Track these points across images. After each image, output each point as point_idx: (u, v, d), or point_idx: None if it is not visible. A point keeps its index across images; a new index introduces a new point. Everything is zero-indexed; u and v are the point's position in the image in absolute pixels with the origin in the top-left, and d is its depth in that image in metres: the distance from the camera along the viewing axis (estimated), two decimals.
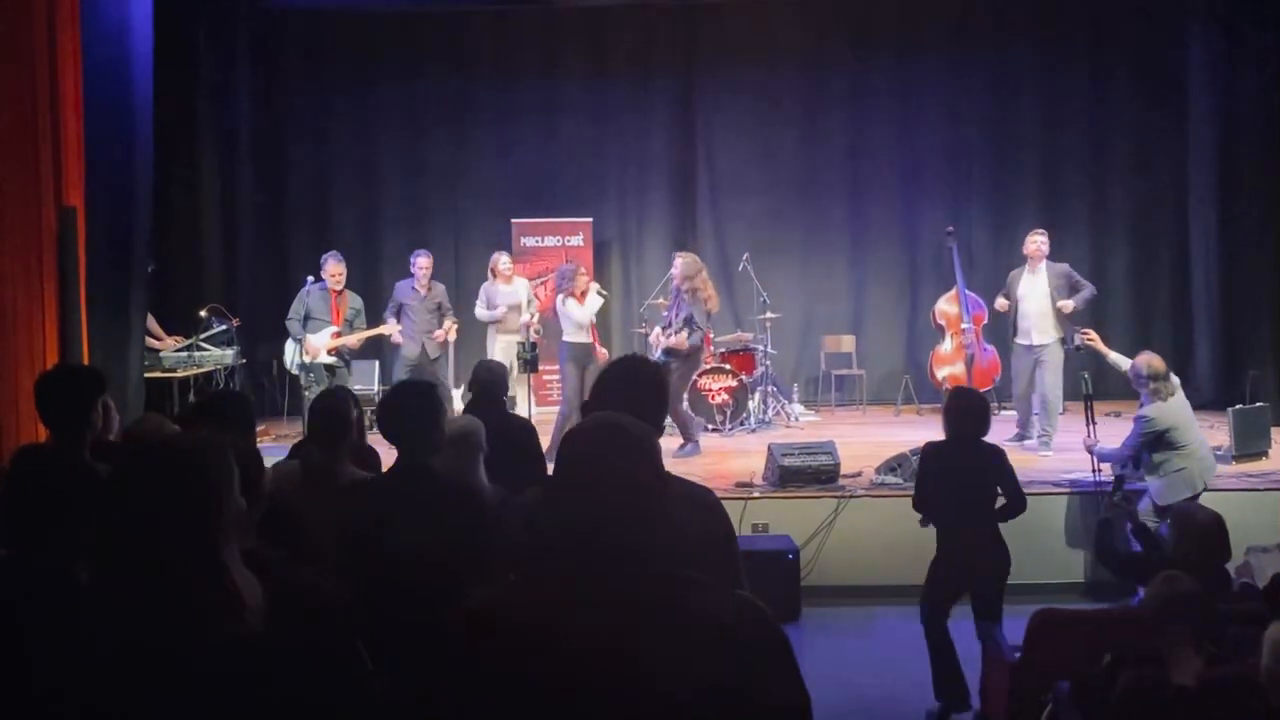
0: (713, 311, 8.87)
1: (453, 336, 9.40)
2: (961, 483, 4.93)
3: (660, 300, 10.24)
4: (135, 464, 2.00)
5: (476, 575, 2.92)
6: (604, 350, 9.07)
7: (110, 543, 1.94)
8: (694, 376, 9.04)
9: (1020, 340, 8.53)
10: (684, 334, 8.46)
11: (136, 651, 1.82)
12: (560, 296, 8.61)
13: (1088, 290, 8.43)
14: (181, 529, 1.90)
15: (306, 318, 8.83)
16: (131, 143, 8.81)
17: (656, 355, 8.64)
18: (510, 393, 5.36)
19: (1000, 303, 8.77)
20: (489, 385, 5.23)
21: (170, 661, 1.82)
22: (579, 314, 8.54)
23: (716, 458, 8.38)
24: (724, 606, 1.76)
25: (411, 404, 3.40)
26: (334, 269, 8.87)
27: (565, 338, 8.60)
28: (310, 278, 8.97)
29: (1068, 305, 8.31)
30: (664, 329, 8.76)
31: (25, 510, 2.77)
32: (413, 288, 9.09)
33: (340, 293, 8.90)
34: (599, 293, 8.86)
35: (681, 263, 8.67)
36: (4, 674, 2.31)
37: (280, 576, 2.11)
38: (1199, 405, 10.25)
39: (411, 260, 9.17)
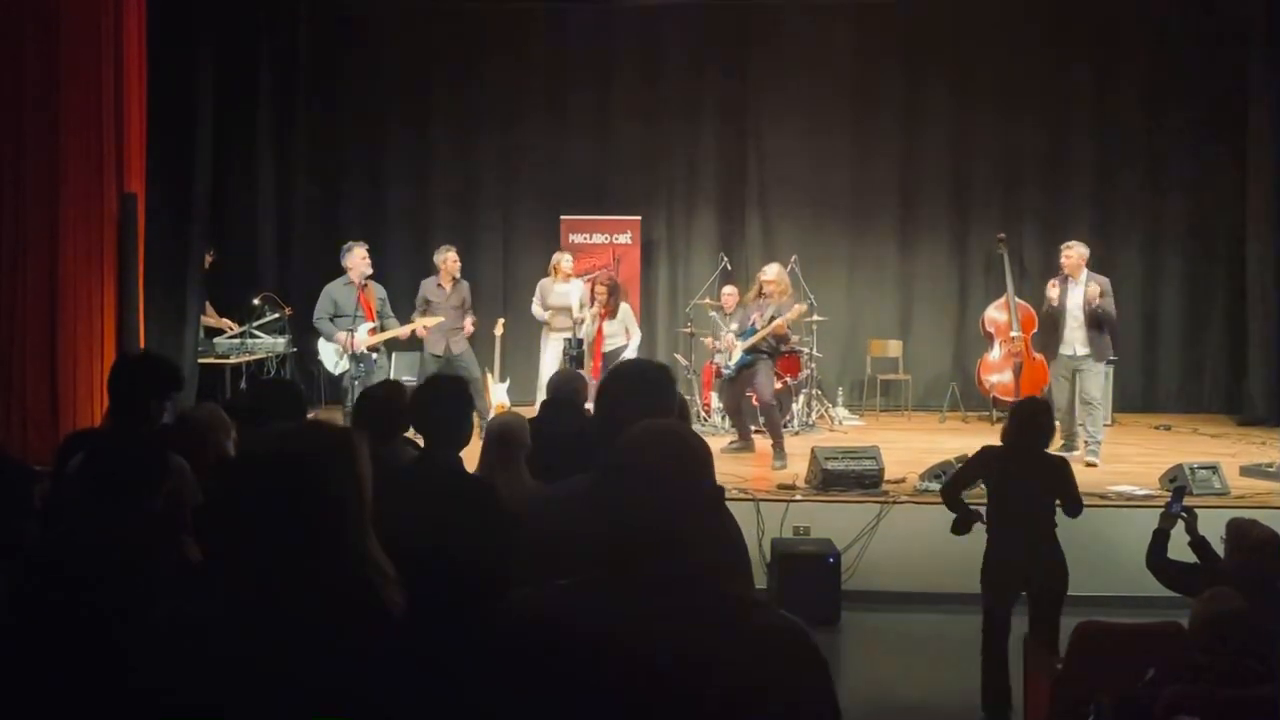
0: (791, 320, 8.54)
1: (468, 330, 9.16)
2: (1022, 491, 4.91)
3: (707, 300, 10.24)
4: (277, 464, 1.88)
5: (482, 570, 2.93)
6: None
7: (241, 542, 1.87)
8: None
9: (1064, 350, 8.37)
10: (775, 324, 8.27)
11: (269, 639, 1.79)
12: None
13: (1110, 307, 8.21)
14: (328, 527, 1.84)
15: (336, 315, 8.39)
16: (192, 133, 8.99)
17: (733, 357, 8.51)
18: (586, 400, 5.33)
19: (1050, 294, 8.40)
20: (552, 391, 5.20)
21: (319, 646, 1.80)
22: None
23: (760, 459, 8.38)
24: (770, 624, 1.76)
25: (443, 397, 3.43)
26: (356, 256, 8.46)
27: None
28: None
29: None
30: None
31: (84, 489, 2.85)
32: (437, 284, 8.94)
33: (364, 286, 8.47)
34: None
35: (775, 271, 8.50)
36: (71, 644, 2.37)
37: None
38: (1253, 422, 10.20)
39: (441, 256, 9.00)
